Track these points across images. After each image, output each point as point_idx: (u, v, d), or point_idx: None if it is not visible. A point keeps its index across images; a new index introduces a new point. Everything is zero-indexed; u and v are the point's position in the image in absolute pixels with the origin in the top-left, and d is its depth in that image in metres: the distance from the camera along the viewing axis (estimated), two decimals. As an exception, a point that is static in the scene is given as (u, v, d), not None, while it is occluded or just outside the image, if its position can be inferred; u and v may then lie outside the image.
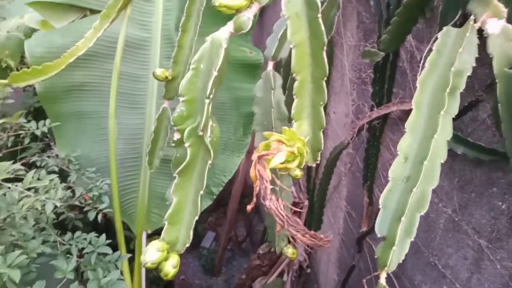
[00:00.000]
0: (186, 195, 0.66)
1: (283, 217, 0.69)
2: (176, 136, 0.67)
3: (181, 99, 0.66)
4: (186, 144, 0.64)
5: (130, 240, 2.06)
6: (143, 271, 1.77)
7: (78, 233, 1.22)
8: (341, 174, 2.46)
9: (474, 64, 0.87)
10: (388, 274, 1.93)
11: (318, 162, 0.83)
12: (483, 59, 1.17)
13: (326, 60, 0.72)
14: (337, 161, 2.18)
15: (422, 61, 1.33)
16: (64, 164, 1.49)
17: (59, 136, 1.61)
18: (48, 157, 1.54)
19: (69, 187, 1.42)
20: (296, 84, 0.75)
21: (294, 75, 0.74)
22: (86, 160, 1.62)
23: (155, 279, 4.05)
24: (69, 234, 1.21)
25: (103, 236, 1.21)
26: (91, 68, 1.61)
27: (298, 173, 1.05)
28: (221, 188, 1.72)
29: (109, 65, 1.51)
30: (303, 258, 3.19)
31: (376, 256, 0.67)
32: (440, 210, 1.50)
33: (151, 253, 0.62)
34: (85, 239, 1.19)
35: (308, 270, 3.17)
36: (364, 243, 2.19)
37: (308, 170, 2.89)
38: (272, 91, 1.10)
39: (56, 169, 1.46)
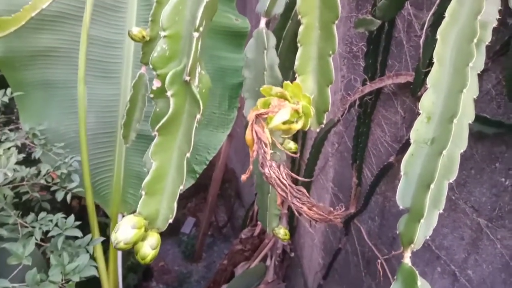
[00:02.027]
0: (168, 158, 0.53)
1: (286, 187, 0.58)
2: (156, 84, 0.54)
3: (162, 33, 0.52)
4: (169, 93, 0.51)
5: (106, 227, 1.92)
6: (119, 257, 1.64)
7: (42, 214, 1.08)
8: (328, 154, 2.37)
9: (498, 16, 0.77)
10: (376, 255, 1.85)
11: (323, 125, 0.71)
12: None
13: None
14: (325, 141, 2.09)
15: (426, 25, 1.23)
16: (28, 139, 1.33)
17: (23, 107, 1.44)
18: (10, 130, 1.38)
19: (33, 164, 1.27)
20: (301, 29, 0.63)
21: (299, 17, 0.62)
22: (54, 134, 1.46)
23: (133, 266, 3.92)
24: (31, 215, 1.06)
25: (72, 217, 1.07)
26: (60, 32, 1.44)
27: (292, 145, 0.93)
28: (204, 166, 1.59)
29: (79, 28, 1.34)
30: (287, 242, 3.12)
31: (398, 232, 0.56)
32: (436, 188, 1.43)
33: (124, 230, 0.49)
34: (50, 220, 1.05)
35: (292, 254, 3.11)
36: (351, 225, 2.13)
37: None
38: (265, 52, 0.97)
39: (19, 143, 1.30)
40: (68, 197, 1.25)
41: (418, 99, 0.78)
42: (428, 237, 1.50)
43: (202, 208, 4.75)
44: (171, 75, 0.50)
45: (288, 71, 1.00)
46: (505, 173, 1.17)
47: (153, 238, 0.53)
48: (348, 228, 2.16)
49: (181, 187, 0.53)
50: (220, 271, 3.62)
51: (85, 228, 1.50)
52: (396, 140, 1.63)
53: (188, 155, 0.52)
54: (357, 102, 1.82)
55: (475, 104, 1.25)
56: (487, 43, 0.71)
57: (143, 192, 0.52)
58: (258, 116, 0.60)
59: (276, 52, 1.12)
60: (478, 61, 0.67)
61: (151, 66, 0.53)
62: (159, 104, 0.55)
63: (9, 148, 0.98)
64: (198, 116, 0.51)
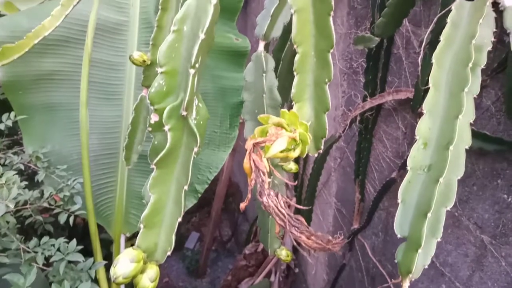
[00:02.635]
0: (166, 191, 0.53)
1: (285, 216, 0.58)
2: (154, 118, 0.55)
3: (159, 70, 0.53)
4: (166, 127, 0.51)
5: (110, 243, 1.92)
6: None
7: (45, 239, 1.08)
8: (330, 169, 2.37)
9: (492, 39, 0.78)
10: (380, 271, 1.84)
11: (321, 151, 0.72)
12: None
13: (333, 27, 0.60)
14: (327, 156, 2.09)
15: (424, 43, 1.24)
16: (31, 162, 1.34)
17: (27, 130, 1.45)
18: (14, 153, 1.39)
19: (37, 187, 1.28)
20: (297, 57, 0.63)
21: (295, 46, 0.63)
22: (57, 156, 1.46)
23: (137, 283, 3.90)
24: (34, 240, 1.07)
25: (74, 241, 1.07)
26: (62, 55, 1.46)
27: (292, 166, 0.93)
28: (206, 186, 1.59)
29: (82, 51, 1.36)
30: (293, 256, 3.11)
31: (396, 261, 0.56)
32: (439, 205, 1.42)
33: (123, 264, 0.49)
34: (53, 245, 1.05)
35: (296, 270, 3.09)
36: (355, 241, 2.11)
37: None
38: (264, 75, 0.98)
39: (22, 167, 1.31)
40: (71, 220, 1.25)
41: (419, 115, 0.79)
42: (430, 261, 1.49)
43: (206, 222, 4.73)
44: (168, 110, 0.51)
45: (288, 92, 1.01)
46: (507, 190, 1.16)
47: (152, 271, 0.53)
48: (352, 243, 2.14)
49: (179, 219, 0.53)
50: (224, 287, 3.60)
51: (89, 246, 1.50)
52: (398, 156, 1.63)
53: (186, 187, 0.53)
54: (358, 118, 1.83)
55: (475, 121, 1.26)
56: (482, 66, 0.72)
57: (141, 225, 0.52)
58: (255, 145, 0.61)
59: (276, 73, 1.13)
60: (474, 85, 0.67)
61: (148, 102, 0.54)
62: (157, 137, 0.56)
63: (12, 176, 0.99)
64: (196, 149, 0.52)
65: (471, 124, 1.22)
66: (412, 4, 1.26)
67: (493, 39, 0.77)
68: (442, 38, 0.73)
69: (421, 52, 1.21)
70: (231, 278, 3.59)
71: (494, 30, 0.80)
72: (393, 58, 1.60)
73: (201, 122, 0.57)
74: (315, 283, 2.91)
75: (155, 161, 0.52)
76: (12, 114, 1.34)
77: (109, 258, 1.82)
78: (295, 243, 0.59)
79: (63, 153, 1.49)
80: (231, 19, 1.64)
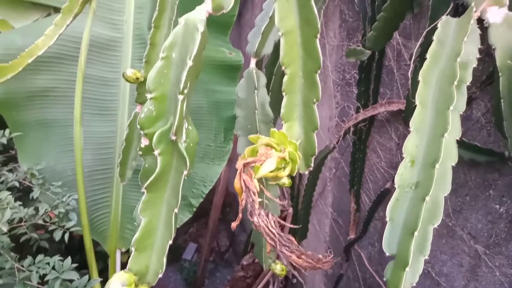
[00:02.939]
0: (157, 215, 0.54)
1: (275, 236, 0.58)
2: (144, 142, 0.56)
3: (149, 96, 0.54)
4: (156, 152, 0.52)
5: (107, 256, 1.92)
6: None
7: (40, 257, 1.08)
8: (326, 179, 2.38)
9: (478, 56, 0.79)
10: (377, 281, 1.84)
11: (312, 168, 0.73)
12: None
13: (319, 49, 0.62)
14: (322, 167, 2.10)
15: (413, 57, 1.26)
16: (26, 179, 1.34)
17: (22, 147, 1.45)
18: (10, 171, 1.39)
19: (32, 202, 1.28)
20: (285, 79, 0.65)
21: (283, 68, 0.64)
22: (52, 173, 1.47)
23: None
24: (29, 259, 1.06)
25: (68, 259, 1.07)
26: (57, 72, 1.47)
27: (285, 181, 0.94)
28: (201, 200, 1.60)
29: (76, 68, 1.37)
30: (288, 268, 3.09)
31: (385, 279, 0.57)
32: (433, 215, 1.43)
33: None
34: (48, 263, 1.05)
35: (294, 281, 3.08)
36: (352, 251, 2.12)
37: (291, 176, 2.80)
38: (256, 91, 0.99)
39: (17, 184, 1.31)
40: (66, 236, 1.25)
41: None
42: (424, 265, 1.50)
43: (204, 233, 4.72)
44: (158, 134, 0.52)
45: (280, 106, 1.03)
46: (499, 200, 1.17)
47: (144, 293, 0.54)
48: (348, 253, 2.14)
49: (170, 242, 0.54)
50: (222, 299, 3.58)
51: (82, 258, 1.49)
52: (392, 166, 1.64)
53: (176, 210, 0.53)
54: (352, 129, 1.85)
55: (466, 132, 1.27)
56: (468, 83, 0.73)
57: (133, 249, 0.53)
58: (246, 165, 0.62)
59: (268, 88, 1.15)
60: (460, 102, 0.69)
61: (138, 126, 0.55)
62: (147, 160, 0.57)
63: (5, 197, 0.99)
64: (185, 172, 0.53)
65: (460, 137, 1.24)
66: (401, 18, 1.28)
67: (478, 55, 0.79)
68: (428, 55, 0.74)
69: (411, 66, 1.22)
70: (229, 289, 3.58)
71: (480, 46, 0.81)
72: (384, 70, 1.62)
73: (191, 145, 0.57)
74: (313, 293, 2.91)
75: (145, 185, 0.52)
76: (7, 131, 1.34)
77: (106, 271, 1.81)
78: (285, 262, 0.60)
79: (58, 169, 1.49)
80: (224, 33, 1.66)
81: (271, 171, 0.61)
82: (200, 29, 0.51)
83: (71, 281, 1.05)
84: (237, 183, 0.62)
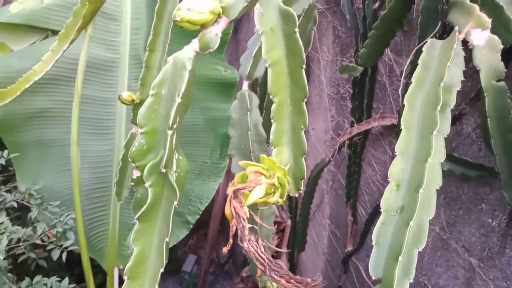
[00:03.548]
0: (149, 243, 0.56)
1: (265, 261, 0.60)
2: (136, 173, 0.58)
3: (139, 130, 0.57)
4: (147, 184, 0.54)
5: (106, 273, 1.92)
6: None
7: (37, 278, 1.09)
8: (323, 192, 2.39)
9: (462, 78, 0.82)
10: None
11: (301, 191, 0.75)
12: (465, 71, 1.12)
13: (305, 79, 0.64)
14: (319, 179, 2.11)
15: (404, 74, 1.28)
16: (24, 199, 1.36)
17: (20, 167, 1.47)
18: (8, 191, 1.41)
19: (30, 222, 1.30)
20: (274, 107, 0.67)
21: (271, 97, 0.66)
22: (50, 192, 1.49)
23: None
24: (26, 280, 1.08)
25: (66, 280, 1.09)
26: (54, 93, 1.50)
27: (279, 199, 0.96)
28: (197, 217, 1.61)
29: (73, 89, 1.40)
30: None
31: (372, 302, 0.58)
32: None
33: (108, 316, 0.51)
34: (45, 284, 1.06)
35: (294, 292, 3.07)
36: (350, 263, 2.12)
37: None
38: (248, 113, 1.01)
39: (15, 205, 1.33)
40: (64, 256, 1.26)
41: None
42: (420, 278, 1.51)
43: (203, 245, 4.71)
44: (148, 167, 0.54)
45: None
46: (491, 214, 1.18)
47: (137, 320, 0.55)
48: (346, 266, 2.15)
49: (162, 270, 0.55)
50: (222, 311, 3.56)
51: (82, 273, 1.49)
52: (387, 179, 1.65)
53: (167, 239, 0.55)
54: (347, 142, 1.86)
55: (457, 146, 1.29)
56: (451, 106, 0.75)
57: (125, 277, 0.55)
58: (236, 192, 0.64)
59: (262, 106, 1.17)
60: (444, 125, 0.71)
61: (130, 160, 0.57)
62: (139, 190, 0.59)
63: (2, 222, 1.01)
64: (175, 202, 0.55)
65: (451, 152, 1.26)
66: (392, 35, 1.31)
67: (462, 78, 0.81)
68: (413, 79, 0.77)
69: (401, 83, 1.25)
70: (229, 301, 3.56)
71: (464, 68, 0.84)
72: (377, 85, 1.64)
73: (181, 174, 0.60)
74: (313, 305, 2.90)
75: (137, 216, 0.54)
76: (5, 152, 1.36)
77: (105, 285, 1.81)
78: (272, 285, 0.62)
79: (56, 188, 1.51)
80: (220, 51, 1.69)
81: (260, 198, 0.63)
82: (188, 68, 0.54)
83: (69, 300, 1.06)
84: (227, 210, 0.64)
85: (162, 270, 0.55)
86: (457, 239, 1.32)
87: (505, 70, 0.87)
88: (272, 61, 0.64)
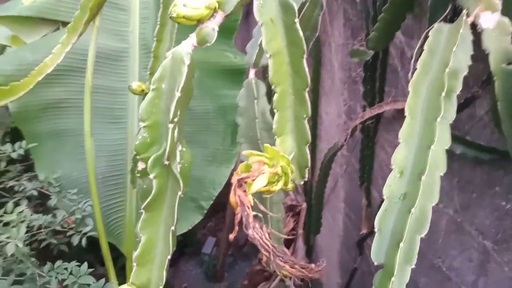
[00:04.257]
0: (156, 232, 0.58)
1: (269, 247, 0.62)
2: (141, 165, 0.60)
3: (142, 124, 0.58)
4: (151, 176, 0.57)
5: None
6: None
7: (58, 263, 1.14)
8: (337, 175, 2.40)
9: (469, 63, 0.80)
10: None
11: (306, 179, 0.76)
12: (477, 54, 1.10)
13: (307, 69, 0.64)
14: (332, 163, 2.11)
15: (413, 59, 1.26)
16: (44, 187, 1.41)
17: (38, 157, 1.53)
18: (29, 180, 1.46)
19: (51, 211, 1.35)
20: (276, 97, 0.68)
21: (273, 87, 0.67)
22: (68, 180, 1.54)
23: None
24: (48, 265, 1.13)
25: (85, 264, 1.14)
26: (68, 84, 1.53)
27: (289, 185, 0.97)
28: (211, 202, 1.64)
29: (86, 80, 1.43)
30: (305, 261, 3.13)
31: (373, 287, 0.59)
32: (441, 211, 1.44)
33: (118, 301, 0.54)
34: (66, 268, 1.11)
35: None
36: (365, 245, 2.13)
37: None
38: (256, 101, 1.02)
39: (36, 193, 1.38)
40: (83, 241, 1.31)
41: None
42: (435, 261, 1.52)
43: (222, 227, 4.78)
44: (152, 160, 0.56)
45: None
46: (505, 197, 1.17)
47: (146, 304, 0.58)
48: (361, 248, 2.16)
49: (169, 257, 0.58)
50: (241, 292, 3.64)
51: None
52: (399, 164, 1.64)
53: (173, 228, 0.57)
54: (359, 127, 1.85)
55: (470, 130, 1.27)
56: (458, 92, 0.74)
57: (134, 264, 0.57)
58: (240, 181, 0.65)
59: (270, 94, 1.17)
60: (449, 112, 0.70)
61: (134, 152, 0.59)
62: (145, 181, 0.61)
63: (22, 211, 1.06)
64: (180, 192, 0.57)
65: (464, 135, 1.24)
66: (402, 18, 1.28)
67: (470, 63, 0.79)
68: (418, 66, 0.76)
69: (411, 67, 1.23)
70: (247, 283, 3.63)
71: (472, 53, 0.82)
72: (389, 68, 1.62)
73: (186, 165, 0.61)
74: (329, 285, 2.93)
75: (143, 206, 0.57)
76: (24, 142, 1.41)
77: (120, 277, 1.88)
78: (278, 272, 0.63)
79: (74, 176, 1.56)
80: (229, 37, 1.68)
81: (263, 186, 0.65)
82: (186, 62, 0.55)
83: (88, 284, 1.11)
84: (232, 198, 0.66)
85: (169, 257, 0.58)
86: (471, 222, 1.31)
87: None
88: (272, 51, 0.65)
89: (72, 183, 1.53)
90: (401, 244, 0.56)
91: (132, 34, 1.57)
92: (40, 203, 1.53)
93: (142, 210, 0.58)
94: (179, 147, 0.61)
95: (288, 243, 3.20)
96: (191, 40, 0.57)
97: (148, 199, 0.56)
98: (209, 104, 1.62)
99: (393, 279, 0.55)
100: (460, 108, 1.24)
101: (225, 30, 1.67)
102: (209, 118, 1.63)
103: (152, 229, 0.58)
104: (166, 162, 0.56)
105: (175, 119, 0.55)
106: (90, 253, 2.35)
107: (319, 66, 2.21)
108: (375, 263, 0.60)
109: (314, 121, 2.50)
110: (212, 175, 1.65)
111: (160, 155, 0.56)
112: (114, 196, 1.63)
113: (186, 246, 4.87)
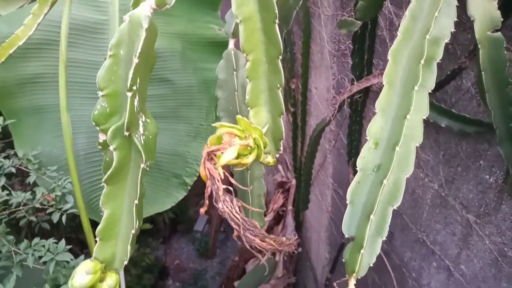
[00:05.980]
0: (119, 206, 0.56)
1: (239, 220, 0.60)
2: (102, 137, 0.57)
3: (100, 93, 0.55)
4: (111, 147, 0.54)
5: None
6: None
7: (36, 240, 1.13)
8: (326, 151, 2.39)
9: (453, 29, 0.77)
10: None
11: (281, 151, 0.73)
12: (464, 23, 1.06)
13: (279, 35, 0.61)
14: (320, 139, 2.10)
15: (400, 28, 1.22)
16: (22, 165, 1.38)
17: (17, 134, 1.49)
18: (6, 157, 1.43)
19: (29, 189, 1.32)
20: (248, 65, 0.64)
21: (245, 55, 0.63)
22: (48, 157, 1.50)
23: (149, 267, 4.03)
24: (25, 242, 1.12)
25: (62, 241, 1.12)
26: (45, 58, 1.48)
27: (270, 160, 0.95)
28: (195, 178, 1.62)
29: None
30: (293, 236, 3.15)
31: (343, 260, 0.58)
32: (427, 185, 1.44)
33: (80, 277, 0.52)
34: (43, 246, 1.10)
35: (299, 249, 3.15)
36: (352, 221, 2.14)
37: (293, 148, 2.81)
38: (235, 73, 0.99)
39: (14, 170, 1.35)
40: (64, 218, 1.29)
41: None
42: (419, 235, 1.52)
43: (214, 204, 4.80)
44: (111, 130, 0.53)
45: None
46: (489, 171, 1.17)
47: (111, 279, 0.56)
48: (349, 223, 2.17)
49: (133, 231, 0.56)
50: (232, 268, 3.69)
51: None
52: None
53: (136, 201, 0.55)
54: (348, 101, 1.83)
55: (456, 102, 1.25)
56: (438, 60, 0.71)
57: (97, 239, 0.55)
58: (210, 153, 0.63)
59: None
60: (428, 80, 0.67)
61: (93, 123, 0.56)
62: (107, 154, 0.58)
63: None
64: (142, 165, 0.54)
65: (450, 108, 1.22)
66: (390, -14, 1.24)
67: (453, 29, 0.76)
68: (399, 32, 0.73)
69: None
70: (238, 259, 3.68)
71: (456, 19, 0.79)
72: (378, 40, 1.58)
73: (150, 137, 0.59)
74: (318, 261, 2.98)
75: (104, 178, 0.54)
76: (1, 119, 1.37)
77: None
78: (247, 246, 0.62)
79: (54, 153, 1.52)
80: (214, 8, 1.62)
81: (234, 158, 0.62)
82: (144, 26, 0.51)
83: (67, 261, 1.10)
84: (202, 171, 0.63)
85: (133, 231, 0.56)
86: (455, 196, 1.31)
87: (502, 20, 0.82)
88: (243, 16, 0.61)
89: (53, 160, 1.50)
90: (372, 216, 0.55)
91: (112, 6, 1.51)
92: (21, 181, 1.50)
93: (103, 184, 0.55)
94: (142, 118, 0.58)
95: (279, 219, 3.22)
96: (149, 2, 0.53)
97: (109, 172, 0.54)
98: (192, 78, 1.58)
99: (362, 251, 0.54)
100: (447, 80, 1.21)
101: (209, 1, 1.61)
102: (193, 93, 1.59)
103: (115, 203, 0.56)
104: (126, 133, 0.53)
105: (134, 87, 0.52)
106: (77, 231, 2.34)
107: (309, 39, 2.16)
108: (346, 236, 0.58)
109: (304, 96, 2.47)
110: (195, 151, 1.62)
111: (121, 126, 0.54)
112: (96, 173, 1.60)
113: (178, 224, 4.92)
